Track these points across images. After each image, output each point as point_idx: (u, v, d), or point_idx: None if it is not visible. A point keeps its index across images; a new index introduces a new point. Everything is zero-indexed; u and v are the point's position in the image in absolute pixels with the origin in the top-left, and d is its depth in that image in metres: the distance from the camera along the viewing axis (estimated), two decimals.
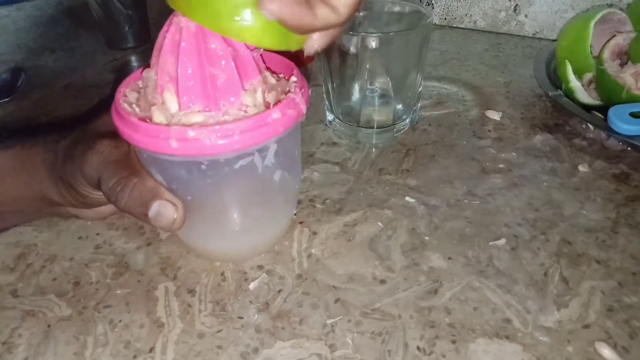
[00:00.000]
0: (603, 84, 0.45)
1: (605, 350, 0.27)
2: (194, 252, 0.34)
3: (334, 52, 0.44)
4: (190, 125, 0.25)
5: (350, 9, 0.24)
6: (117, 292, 0.32)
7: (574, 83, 0.47)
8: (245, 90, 0.27)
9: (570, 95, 0.47)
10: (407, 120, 0.47)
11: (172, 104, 0.27)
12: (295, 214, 0.37)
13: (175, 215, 0.28)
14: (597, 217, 0.37)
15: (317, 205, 0.38)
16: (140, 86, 0.29)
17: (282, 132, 0.26)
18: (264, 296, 0.31)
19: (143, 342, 0.29)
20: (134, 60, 0.65)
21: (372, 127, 0.45)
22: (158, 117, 0.26)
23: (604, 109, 0.43)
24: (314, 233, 0.36)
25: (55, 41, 0.71)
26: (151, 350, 0.28)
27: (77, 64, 0.64)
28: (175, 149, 0.25)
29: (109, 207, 0.35)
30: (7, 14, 0.81)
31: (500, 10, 0.66)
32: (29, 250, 0.35)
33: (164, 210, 0.28)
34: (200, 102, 0.26)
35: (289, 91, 0.28)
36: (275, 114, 0.26)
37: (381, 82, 0.45)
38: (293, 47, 0.26)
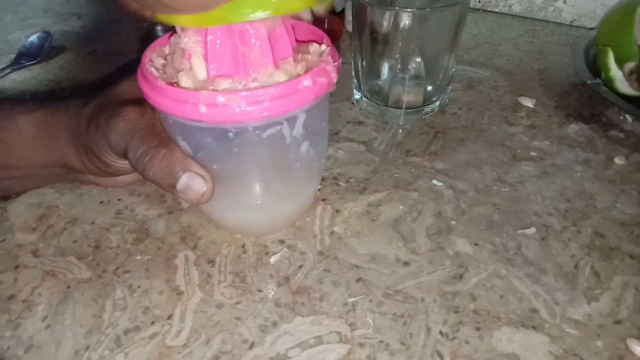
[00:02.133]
0: None
1: (638, 347, 0.26)
2: (215, 223, 0.34)
3: (365, 29, 0.43)
4: (219, 91, 0.24)
5: None
6: (137, 257, 0.32)
7: (615, 72, 0.45)
8: (278, 68, 0.26)
9: (609, 84, 0.45)
10: (437, 103, 0.46)
11: (200, 70, 0.26)
12: (318, 190, 0.36)
13: (204, 189, 0.27)
14: (632, 211, 0.35)
15: (341, 184, 0.38)
16: (167, 52, 0.29)
17: (313, 100, 0.25)
18: (284, 271, 0.31)
19: (161, 309, 0.29)
20: (159, 30, 0.64)
21: (400, 108, 0.44)
22: (185, 82, 0.26)
23: None
24: (337, 211, 0.35)
25: (82, 7, 0.70)
26: (169, 317, 0.28)
27: (102, 31, 0.64)
28: (204, 115, 0.24)
29: (129, 177, 0.34)
30: None
31: None
32: (50, 211, 0.35)
33: (193, 183, 0.27)
34: (229, 69, 0.25)
35: (319, 60, 0.27)
36: (307, 81, 0.25)
37: (413, 62, 0.43)
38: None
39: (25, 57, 0.55)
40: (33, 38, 0.57)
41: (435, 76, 0.45)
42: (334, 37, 0.57)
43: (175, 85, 0.26)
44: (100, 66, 0.55)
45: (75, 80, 0.52)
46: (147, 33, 0.60)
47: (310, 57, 0.27)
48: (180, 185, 0.27)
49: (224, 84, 0.25)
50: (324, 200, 0.36)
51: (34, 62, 0.54)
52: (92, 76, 0.52)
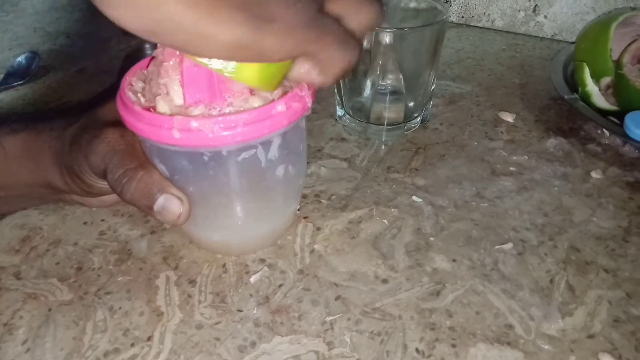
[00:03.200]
0: (621, 89, 0.44)
1: None
2: (196, 244, 0.34)
3: None
4: (193, 116, 0.25)
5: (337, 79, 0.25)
6: (119, 279, 0.32)
7: (591, 87, 0.46)
8: (253, 94, 0.27)
9: (586, 99, 0.46)
10: (418, 119, 0.46)
11: (177, 95, 0.26)
12: (298, 209, 0.37)
13: (181, 210, 0.28)
14: (608, 225, 0.36)
15: (323, 201, 0.38)
16: (147, 76, 0.29)
17: (287, 125, 0.26)
18: (264, 290, 0.31)
19: (141, 330, 0.29)
20: (147, 48, 0.65)
21: (382, 124, 0.45)
22: (162, 107, 0.26)
23: (620, 115, 0.42)
24: (318, 229, 0.36)
25: (71, 26, 0.71)
26: (149, 338, 0.28)
27: (91, 50, 0.64)
28: (177, 140, 0.24)
29: (113, 197, 0.35)
30: None
31: (519, 10, 0.65)
32: (34, 233, 0.36)
33: (169, 204, 0.28)
34: (205, 95, 0.26)
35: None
36: (280, 106, 0.25)
37: (393, 79, 0.44)
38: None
39: (12, 77, 0.55)
40: (21, 58, 0.58)
41: (416, 92, 0.46)
42: None
43: (152, 109, 0.26)
44: (87, 85, 0.55)
45: (63, 99, 0.53)
46: (134, 52, 0.61)
47: (287, 83, 0.28)
48: (157, 206, 0.27)
49: (198, 109, 0.26)
50: (305, 218, 0.37)
51: (21, 82, 0.55)
52: (79, 96, 0.53)
